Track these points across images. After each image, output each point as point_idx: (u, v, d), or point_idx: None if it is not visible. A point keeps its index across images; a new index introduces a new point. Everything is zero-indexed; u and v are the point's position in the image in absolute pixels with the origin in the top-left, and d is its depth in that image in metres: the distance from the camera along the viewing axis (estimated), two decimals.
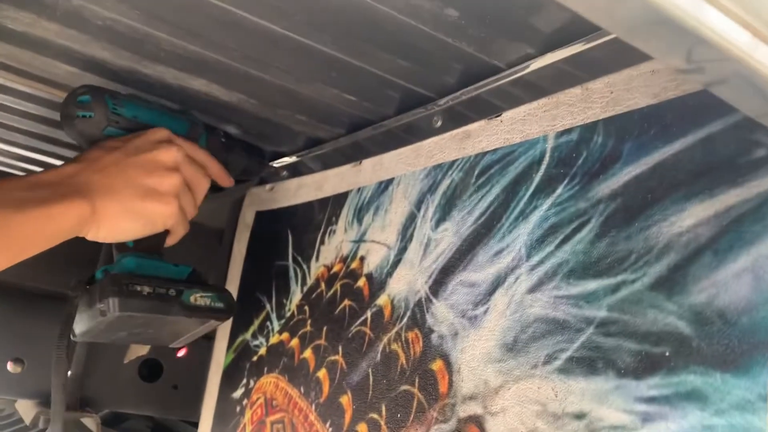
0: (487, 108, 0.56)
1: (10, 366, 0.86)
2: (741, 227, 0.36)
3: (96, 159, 0.62)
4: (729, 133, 0.38)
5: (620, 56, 0.45)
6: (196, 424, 0.90)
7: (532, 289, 0.47)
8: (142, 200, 0.62)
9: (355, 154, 0.74)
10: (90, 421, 0.82)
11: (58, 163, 0.88)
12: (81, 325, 0.66)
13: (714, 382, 0.35)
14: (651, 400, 0.38)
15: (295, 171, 0.85)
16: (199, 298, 0.69)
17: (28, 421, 0.81)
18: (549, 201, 0.48)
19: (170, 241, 0.70)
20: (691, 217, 0.38)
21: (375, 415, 0.58)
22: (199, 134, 0.73)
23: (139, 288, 0.64)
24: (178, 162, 0.66)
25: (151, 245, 0.68)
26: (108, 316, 0.63)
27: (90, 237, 0.62)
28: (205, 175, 0.71)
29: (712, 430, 0.35)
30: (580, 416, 0.41)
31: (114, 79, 0.68)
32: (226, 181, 0.75)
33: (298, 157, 0.81)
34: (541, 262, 0.47)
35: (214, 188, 0.76)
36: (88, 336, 0.67)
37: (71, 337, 0.67)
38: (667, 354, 0.38)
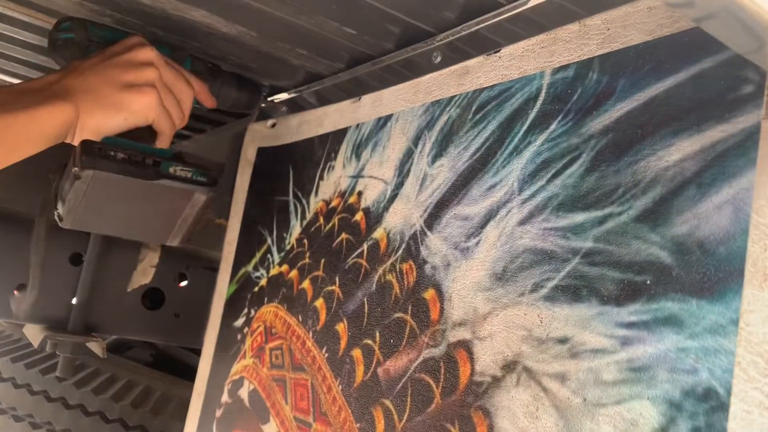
0: (486, 44, 0.57)
1: (16, 293, 0.88)
2: (725, 161, 0.37)
3: (76, 67, 0.65)
4: (719, 69, 0.38)
5: None
6: (196, 351, 0.94)
7: (523, 222, 0.48)
8: (120, 92, 0.65)
9: (355, 89, 0.74)
10: (95, 346, 0.85)
11: None
12: (61, 202, 0.66)
13: (690, 308, 0.37)
14: (631, 325, 0.40)
15: (294, 107, 0.85)
16: (179, 170, 0.68)
17: (36, 344, 0.85)
18: (543, 137, 0.49)
19: (159, 143, 0.71)
20: (678, 152, 0.39)
21: (369, 341, 0.61)
22: (183, 58, 0.74)
23: (113, 153, 0.64)
24: (152, 59, 0.68)
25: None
26: (82, 179, 0.63)
27: (75, 140, 0.64)
28: (186, 83, 0.72)
29: (686, 352, 0.37)
30: (563, 341, 0.43)
31: (113, 9, 0.68)
32: (208, 100, 0.76)
33: (297, 92, 0.82)
34: (532, 195, 0.48)
35: (214, 122, 0.77)
36: (71, 217, 0.67)
37: (59, 221, 0.67)
38: (648, 282, 0.39)
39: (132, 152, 0.66)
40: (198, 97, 0.75)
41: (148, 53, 0.68)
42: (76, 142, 0.64)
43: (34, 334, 0.85)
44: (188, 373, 1.18)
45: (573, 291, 0.44)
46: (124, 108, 0.65)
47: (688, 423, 0.36)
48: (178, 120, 0.71)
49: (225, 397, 0.83)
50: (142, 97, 0.66)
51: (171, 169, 0.68)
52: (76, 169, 0.63)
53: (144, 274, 0.91)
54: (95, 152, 0.63)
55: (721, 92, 0.38)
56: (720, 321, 0.35)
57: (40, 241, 0.70)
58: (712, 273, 0.36)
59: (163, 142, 0.71)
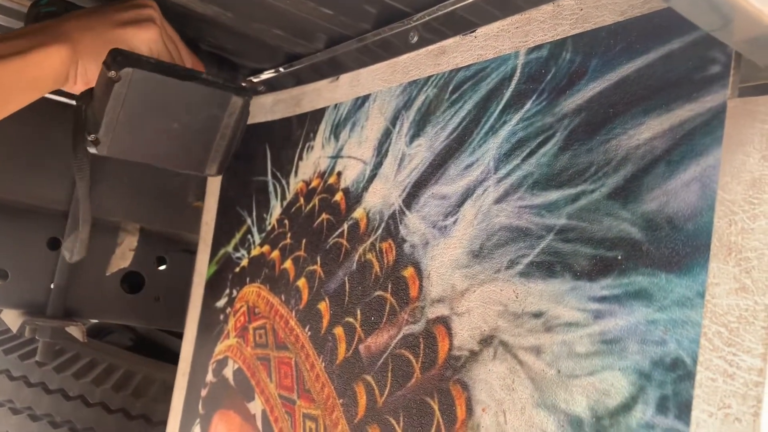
0: (463, 24, 0.57)
1: None
2: (692, 140, 0.38)
3: (72, 14, 0.62)
4: (688, 50, 0.39)
5: None
6: (177, 334, 0.94)
7: (499, 200, 0.49)
8: (122, 28, 0.62)
9: (333, 70, 0.74)
10: (75, 330, 0.85)
11: None
12: (95, 117, 0.62)
13: (659, 282, 0.38)
14: (603, 299, 0.41)
15: (272, 86, 0.85)
16: (212, 77, 0.67)
17: (14, 329, 0.84)
18: (518, 116, 0.49)
19: None
20: (649, 131, 0.41)
21: (351, 319, 0.62)
22: None
23: (146, 59, 0.62)
24: (151, 4, 0.65)
25: None
26: (122, 81, 0.59)
27: (75, 82, 0.61)
28: (183, 42, 0.70)
29: (655, 324, 0.38)
30: (538, 315, 0.45)
31: None
32: (199, 65, 0.75)
33: (275, 72, 0.82)
34: (507, 174, 0.49)
35: None
36: (109, 137, 0.62)
37: (95, 148, 0.63)
38: (620, 258, 0.41)
39: (162, 60, 0.63)
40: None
41: (146, 1, 0.65)
42: (76, 90, 0.61)
43: (12, 319, 0.85)
44: (169, 357, 1.19)
45: (547, 267, 0.45)
46: (127, 43, 0.62)
47: (657, 392, 0.37)
48: (178, 57, 0.68)
49: (210, 377, 0.84)
50: (143, 30, 0.62)
51: (204, 75, 0.66)
52: (113, 72, 0.59)
53: (122, 258, 0.91)
54: (128, 55, 0.60)
55: (690, 72, 0.39)
56: (687, 294, 0.37)
57: (83, 170, 0.65)
58: (680, 248, 0.38)
59: None
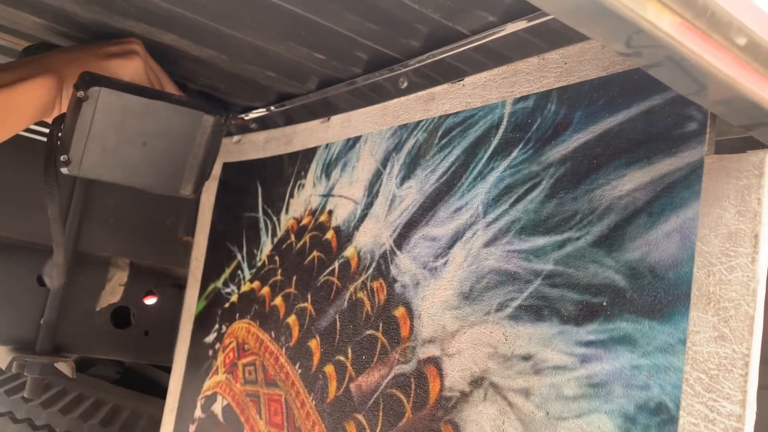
0: (452, 71, 0.59)
1: None
2: (673, 193, 0.40)
3: (58, 50, 0.65)
4: (667, 107, 0.42)
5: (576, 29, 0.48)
6: (166, 369, 0.94)
7: (488, 244, 0.51)
8: (107, 60, 0.64)
9: (324, 110, 0.76)
10: (64, 366, 0.85)
11: None
12: (66, 137, 0.62)
13: (643, 328, 0.40)
14: (589, 343, 0.43)
15: (263, 124, 0.87)
16: (183, 97, 0.68)
17: (3, 366, 0.84)
18: (505, 163, 0.51)
19: None
20: (631, 182, 0.43)
21: (341, 357, 0.63)
22: None
23: (118, 81, 0.63)
24: (135, 41, 0.67)
25: None
26: (89, 100, 0.60)
27: (60, 111, 0.63)
28: (168, 77, 0.72)
29: (639, 370, 0.40)
30: (527, 357, 0.46)
31: (82, 32, 0.69)
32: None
33: (267, 110, 0.83)
34: (496, 219, 0.51)
35: None
36: (79, 157, 0.63)
37: (65, 168, 0.63)
38: (605, 304, 0.42)
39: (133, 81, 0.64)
40: None
41: (131, 39, 0.67)
42: (60, 110, 0.63)
43: (1, 355, 0.84)
44: (156, 390, 1.18)
45: (535, 311, 0.46)
46: (110, 74, 0.63)
47: None
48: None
49: (198, 413, 0.84)
50: (127, 63, 0.64)
51: (175, 96, 0.67)
52: (81, 91, 0.60)
53: (112, 293, 0.91)
54: (97, 75, 0.61)
55: (669, 128, 0.41)
56: (669, 341, 0.38)
57: (53, 194, 0.65)
58: (662, 296, 0.39)
59: None
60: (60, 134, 0.63)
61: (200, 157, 0.70)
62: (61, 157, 0.63)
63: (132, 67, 0.65)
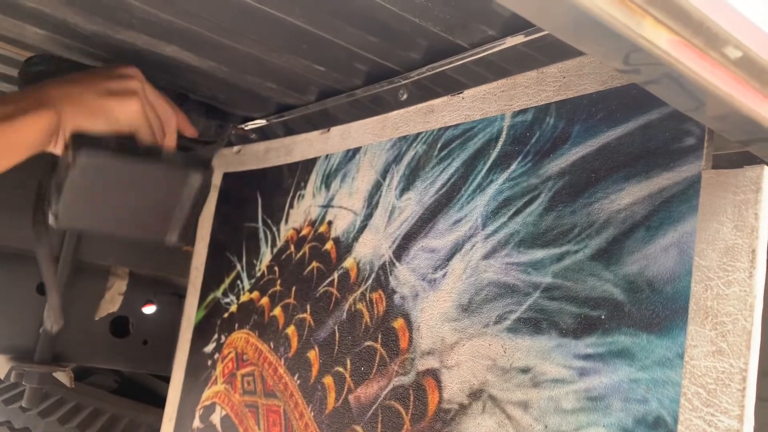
0: (451, 83, 0.60)
1: None
2: (670, 207, 0.40)
3: (56, 81, 0.64)
4: (664, 121, 0.42)
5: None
6: (164, 378, 0.94)
7: (487, 256, 0.51)
8: (105, 99, 0.64)
9: (324, 121, 0.76)
10: (63, 375, 0.85)
11: None
12: (54, 195, 0.64)
13: (641, 342, 0.40)
14: (587, 357, 0.43)
15: (263, 135, 0.87)
16: (171, 155, 0.68)
17: (1, 375, 0.84)
18: (504, 176, 0.52)
19: None
20: (629, 196, 0.43)
21: (340, 369, 0.63)
22: None
23: (106, 141, 0.63)
24: (135, 73, 0.67)
25: None
26: (78, 163, 0.61)
27: (56, 145, 0.63)
28: (168, 104, 0.72)
29: (637, 383, 0.40)
30: (525, 370, 0.46)
31: (84, 43, 0.69)
32: (188, 129, 0.76)
33: (267, 121, 0.84)
34: (495, 231, 0.51)
35: (182, 148, 0.78)
36: (66, 213, 0.64)
37: (53, 221, 0.65)
38: (603, 317, 0.43)
39: (123, 138, 0.65)
40: (179, 126, 0.76)
41: (131, 68, 0.67)
42: (58, 151, 0.63)
43: None
44: (154, 399, 1.18)
45: (534, 323, 0.46)
46: (108, 114, 0.64)
47: None
48: (160, 136, 0.70)
49: (197, 423, 0.84)
50: (125, 103, 0.65)
51: (165, 154, 0.67)
52: (70, 156, 0.61)
53: (111, 302, 0.91)
54: (87, 138, 0.62)
55: (667, 142, 0.41)
56: (667, 355, 0.38)
57: (41, 235, 0.67)
58: (660, 310, 0.39)
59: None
60: (49, 184, 0.65)
61: (186, 209, 0.71)
62: (50, 210, 0.65)
63: (130, 110, 0.65)
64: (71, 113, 0.62)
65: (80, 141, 0.62)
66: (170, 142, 0.71)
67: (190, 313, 0.92)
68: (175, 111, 0.73)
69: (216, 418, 0.80)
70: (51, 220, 0.65)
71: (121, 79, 0.66)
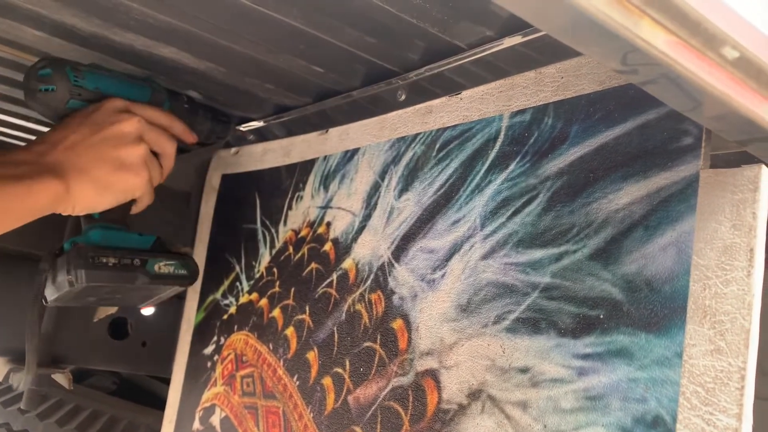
0: (450, 84, 0.60)
1: None
2: (668, 206, 0.40)
3: (63, 138, 0.65)
4: (662, 121, 0.42)
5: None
6: (163, 380, 0.94)
7: (485, 256, 0.51)
8: (115, 174, 0.66)
9: (322, 122, 0.76)
10: (62, 377, 0.85)
11: (24, 123, 0.88)
12: (51, 292, 0.70)
13: (639, 341, 0.40)
14: (586, 356, 0.43)
15: (261, 136, 0.87)
16: (162, 267, 0.73)
17: (0, 377, 0.84)
18: (502, 176, 0.52)
19: (135, 210, 0.75)
20: (627, 196, 0.43)
21: (339, 370, 0.63)
22: (162, 100, 0.75)
23: (105, 260, 0.69)
24: (140, 130, 0.69)
25: (117, 215, 0.72)
26: (76, 287, 0.67)
27: (64, 212, 0.65)
28: (169, 138, 0.74)
29: (636, 383, 0.40)
30: (524, 370, 0.46)
31: (82, 45, 0.69)
32: (189, 137, 0.78)
33: (265, 122, 0.84)
34: (493, 231, 0.51)
35: (180, 149, 0.79)
36: (58, 302, 0.71)
37: (44, 302, 0.71)
38: (602, 317, 0.43)
39: (121, 254, 0.70)
40: (180, 138, 0.77)
41: (135, 124, 0.68)
42: (64, 213, 0.65)
43: None
44: (153, 401, 1.18)
45: (533, 323, 0.46)
46: (117, 189, 0.67)
47: None
48: (158, 181, 0.73)
49: (197, 425, 0.84)
50: (134, 178, 0.68)
51: (156, 267, 0.73)
52: (70, 277, 0.66)
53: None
54: (90, 263, 0.67)
55: (664, 142, 0.41)
56: (666, 354, 0.39)
57: (34, 326, 0.74)
58: (659, 309, 0.39)
59: (138, 209, 0.74)
60: (47, 278, 0.70)
61: (164, 298, 0.79)
62: (46, 302, 0.72)
63: (137, 183, 0.68)
64: (82, 187, 0.64)
65: (81, 263, 0.67)
66: (164, 178, 0.75)
67: (190, 315, 0.92)
68: (174, 141, 0.75)
69: (216, 419, 0.80)
70: (43, 298, 0.71)
71: (129, 147, 0.67)
